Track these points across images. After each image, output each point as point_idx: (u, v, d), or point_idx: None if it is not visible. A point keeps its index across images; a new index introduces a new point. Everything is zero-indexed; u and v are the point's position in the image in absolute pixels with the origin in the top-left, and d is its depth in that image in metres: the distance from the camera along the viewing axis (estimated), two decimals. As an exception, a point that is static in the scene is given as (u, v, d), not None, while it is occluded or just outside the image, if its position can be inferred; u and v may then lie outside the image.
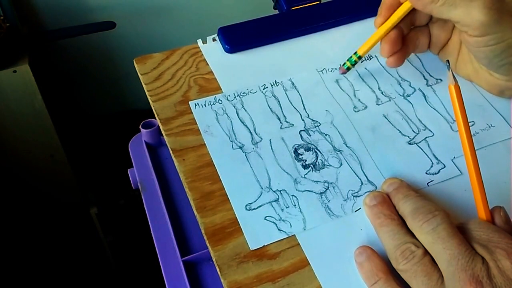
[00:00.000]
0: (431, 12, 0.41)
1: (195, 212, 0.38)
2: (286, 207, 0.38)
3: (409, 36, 0.44)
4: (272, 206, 0.38)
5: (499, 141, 0.42)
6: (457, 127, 0.36)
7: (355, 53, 0.45)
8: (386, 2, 0.43)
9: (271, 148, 0.41)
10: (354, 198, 0.38)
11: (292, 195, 0.38)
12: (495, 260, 0.30)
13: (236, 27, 0.50)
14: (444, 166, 0.40)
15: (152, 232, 0.48)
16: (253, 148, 0.41)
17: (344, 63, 0.46)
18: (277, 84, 0.46)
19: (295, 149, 0.41)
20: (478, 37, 0.39)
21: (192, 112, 0.44)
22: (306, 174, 0.40)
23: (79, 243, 1.31)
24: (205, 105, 0.44)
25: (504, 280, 0.29)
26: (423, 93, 0.46)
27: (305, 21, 0.51)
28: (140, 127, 0.56)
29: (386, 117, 0.44)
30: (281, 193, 0.39)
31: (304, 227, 0.37)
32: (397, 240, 0.33)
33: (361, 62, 0.48)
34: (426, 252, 0.32)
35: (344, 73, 0.46)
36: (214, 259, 0.35)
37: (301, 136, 0.42)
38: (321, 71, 0.47)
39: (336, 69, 0.47)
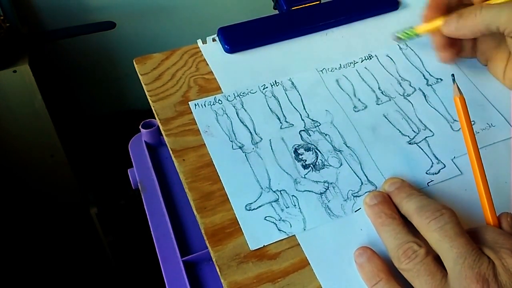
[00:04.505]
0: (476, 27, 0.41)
1: (195, 213, 0.38)
2: (286, 207, 0.38)
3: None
4: (272, 206, 0.38)
5: (500, 140, 0.42)
6: (464, 139, 0.37)
7: (413, 28, 0.46)
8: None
9: (271, 148, 0.41)
10: (354, 198, 0.38)
11: (292, 195, 0.38)
12: (500, 259, 0.30)
13: (236, 27, 0.50)
14: (444, 166, 0.40)
15: (152, 232, 0.48)
16: (253, 148, 0.41)
17: (400, 32, 0.47)
18: (277, 84, 0.46)
19: (295, 149, 0.41)
20: None
21: (192, 112, 0.44)
22: (306, 174, 0.40)
23: (79, 243, 1.31)
24: (205, 105, 0.44)
25: (508, 277, 0.30)
26: (423, 93, 0.45)
27: (305, 21, 0.51)
28: (140, 127, 0.56)
29: (386, 117, 0.44)
30: (281, 193, 0.38)
31: (304, 227, 0.37)
32: (399, 239, 0.33)
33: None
34: (428, 252, 0.32)
35: (394, 39, 0.47)
36: (214, 260, 0.35)
37: (301, 136, 0.42)
38: (321, 71, 0.47)
39: (336, 68, 0.47)
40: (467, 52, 0.47)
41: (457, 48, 0.45)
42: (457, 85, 0.38)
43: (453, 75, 0.40)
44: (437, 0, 0.45)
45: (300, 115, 0.44)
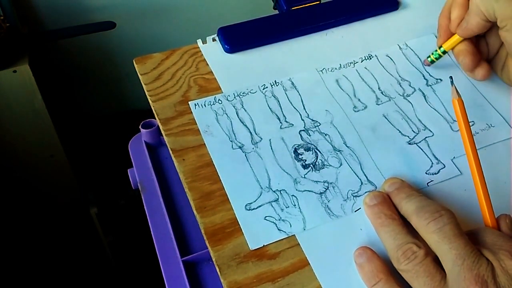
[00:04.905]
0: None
1: (195, 212, 0.38)
2: (286, 207, 0.38)
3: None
4: (272, 206, 0.38)
5: (499, 141, 0.42)
6: (462, 141, 0.37)
7: (440, 47, 0.46)
8: (443, 25, 0.46)
9: (271, 148, 0.41)
10: (354, 198, 0.38)
11: (292, 195, 0.38)
12: (498, 260, 0.30)
13: (236, 27, 0.50)
14: (444, 166, 0.40)
15: (152, 232, 0.48)
16: (253, 148, 0.41)
17: (429, 56, 0.47)
18: (277, 84, 0.46)
19: (295, 149, 0.41)
20: None
21: (192, 112, 0.44)
22: (306, 174, 0.40)
23: (79, 243, 1.31)
24: (204, 105, 0.44)
25: (507, 279, 0.30)
26: (423, 93, 0.45)
27: (305, 21, 0.51)
28: (140, 127, 0.56)
29: (386, 117, 0.44)
30: (281, 193, 0.39)
31: (304, 227, 0.37)
32: (399, 240, 0.33)
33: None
34: (428, 253, 0.32)
35: (428, 65, 0.48)
36: (214, 259, 0.35)
37: (301, 136, 0.42)
38: (321, 71, 0.47)
39: (336, 68, 0.47)
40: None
41: (486, 62, 0.45)
42: (455, 87, 0.38)
43: (451, 77, 0.40)
44: (445, 26, 0.46)
45: (300, 115, 0.44)
